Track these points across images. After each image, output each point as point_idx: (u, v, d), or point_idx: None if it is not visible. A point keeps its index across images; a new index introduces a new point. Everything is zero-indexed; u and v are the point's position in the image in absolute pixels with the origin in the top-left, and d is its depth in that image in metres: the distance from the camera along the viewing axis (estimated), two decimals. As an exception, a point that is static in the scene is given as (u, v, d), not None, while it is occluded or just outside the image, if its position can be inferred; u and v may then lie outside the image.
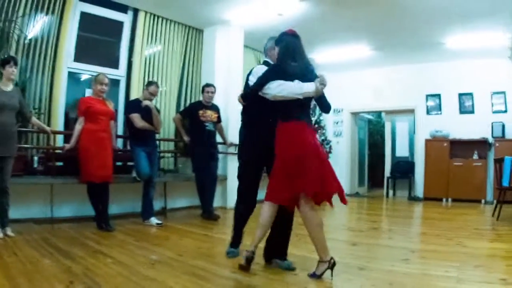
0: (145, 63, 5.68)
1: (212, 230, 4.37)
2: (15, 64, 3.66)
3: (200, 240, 3.85)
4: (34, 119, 4.02)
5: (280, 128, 2.67)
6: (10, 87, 3.64)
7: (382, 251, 3.53)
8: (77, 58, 5.15)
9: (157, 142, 5.01)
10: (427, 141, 7.44)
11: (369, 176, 9.52)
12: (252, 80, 2.79)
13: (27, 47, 4.59)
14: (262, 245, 2.88)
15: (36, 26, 4.69)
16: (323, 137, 8.18)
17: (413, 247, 3.58)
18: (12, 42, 4.34)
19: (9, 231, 3.61)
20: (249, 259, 2.68)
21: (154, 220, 4.48)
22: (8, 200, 3.65)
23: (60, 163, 4.51)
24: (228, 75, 6.07)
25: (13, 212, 3.80)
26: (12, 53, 4.31)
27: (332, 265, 2.54)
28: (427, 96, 7.65)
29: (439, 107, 7.59)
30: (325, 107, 2.86)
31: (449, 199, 7.10)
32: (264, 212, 2.68)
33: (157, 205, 5.22)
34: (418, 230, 4.65)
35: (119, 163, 4.75)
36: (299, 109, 2.66)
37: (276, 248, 2.90)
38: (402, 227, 4.78)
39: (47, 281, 2.48)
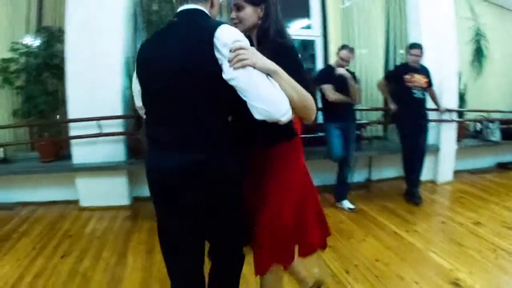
0: (341, 17, 4.95)
1: (407, 223, 3.69)
2: None
3: (384, 242, 3.27)
4: None
5: None
6: None
7: None
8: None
9: (356, 114, 4.45)
10: None
11: None
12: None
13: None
14: None
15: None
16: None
17: None
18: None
19: None
20: None
21: (346, 204, 4.08)
22: None
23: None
24: (437, 27, 4.87)
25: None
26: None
27: None
28: None
29: None
30: None
31: None
32: None
33: (361, 176, 4.94)
34: None
35: (310, 135, 4.42)
36: None
37: None
38: None
39: None
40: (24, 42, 4.32)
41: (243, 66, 1.30)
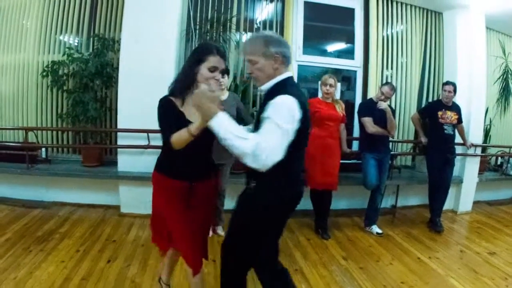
0: (382, 51, 5.09)
1: (430, 250, 3.85)
2: (223, 73, 3.48)
3: (408, 266, 3.44)
4: None
5: None
6: (226, 95, 3.54)
7: None
8: (306, 51, 4.90)
9: (391, 145, 4.65)
10: None
11: None
12: None
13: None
14: None
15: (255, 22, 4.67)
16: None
17: None
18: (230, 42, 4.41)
19: (219, 230, 3.79)
20: None
21: (375, 229, 4.22)
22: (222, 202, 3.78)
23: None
24: (469, 65, 5.03)
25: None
26: (231, 52, 4.43)
27: None
28: None
29: None
30: None
31: None
32: None
33: (388, 202, 5.03)
34: None
35: (346, 161, 4.48)
36: None
37: None
38: None
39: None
40: (74, 46, 4.47)
41: None
